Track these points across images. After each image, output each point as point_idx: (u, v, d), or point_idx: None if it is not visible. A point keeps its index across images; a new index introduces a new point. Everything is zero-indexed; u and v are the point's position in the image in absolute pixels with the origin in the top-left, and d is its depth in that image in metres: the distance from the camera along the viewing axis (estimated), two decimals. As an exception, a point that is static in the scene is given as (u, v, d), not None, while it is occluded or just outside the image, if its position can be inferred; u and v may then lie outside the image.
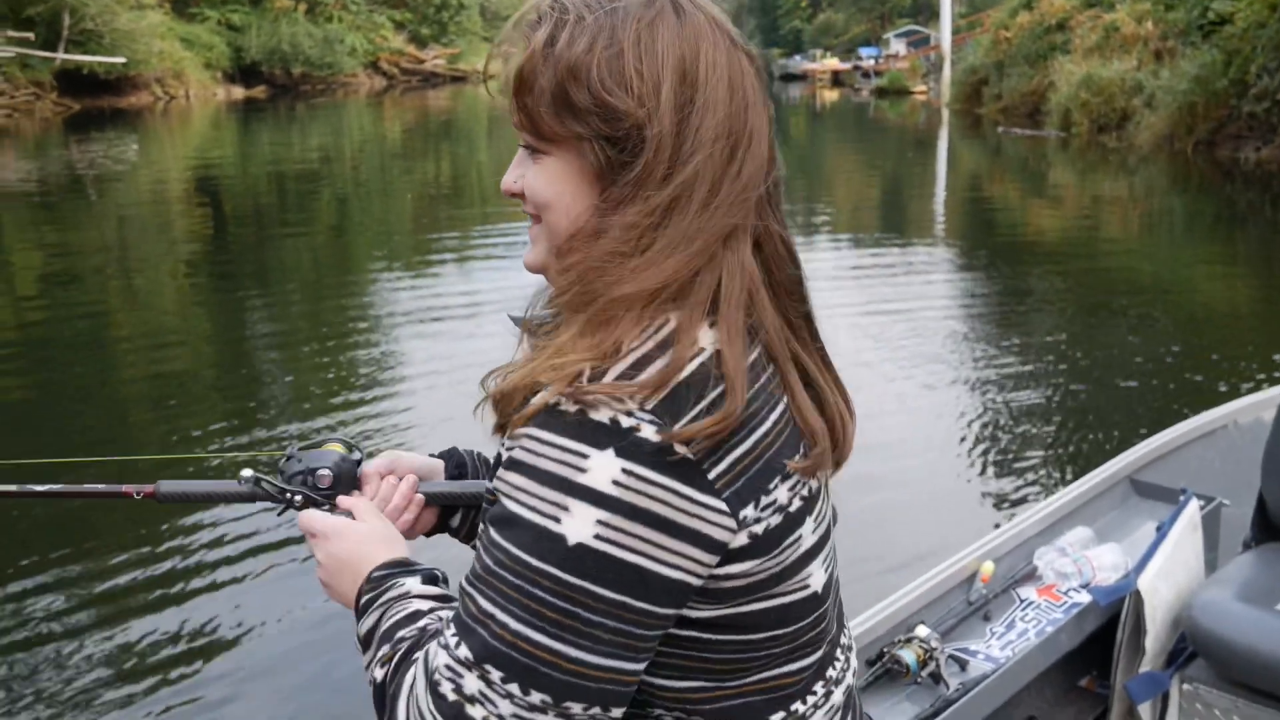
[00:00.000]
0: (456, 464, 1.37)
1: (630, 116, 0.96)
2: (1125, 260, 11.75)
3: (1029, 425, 6.33)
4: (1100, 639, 2.62)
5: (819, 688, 1.07)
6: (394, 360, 7.85)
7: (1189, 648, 2.60)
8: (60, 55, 32.38)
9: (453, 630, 0.94)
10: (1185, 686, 2.57)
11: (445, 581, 1.12)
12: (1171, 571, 2.65)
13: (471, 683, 0.91)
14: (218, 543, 4.69)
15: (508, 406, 0.97)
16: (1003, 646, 2.41)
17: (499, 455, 1.02)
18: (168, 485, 1.34)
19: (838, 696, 1.10)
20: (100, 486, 1.35)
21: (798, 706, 1.05)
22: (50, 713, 3.57)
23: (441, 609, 1.06)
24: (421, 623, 1.04)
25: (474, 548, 0.99)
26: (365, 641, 1.06)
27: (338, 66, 45.84)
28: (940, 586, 2.56)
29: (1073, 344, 8.11)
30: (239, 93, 40.69)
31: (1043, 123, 24.23)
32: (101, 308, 9.56)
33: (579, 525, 0.89)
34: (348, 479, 1.30)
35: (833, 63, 63.02)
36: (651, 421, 0.90)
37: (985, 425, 6.31)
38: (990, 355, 7.86)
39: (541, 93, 0.98)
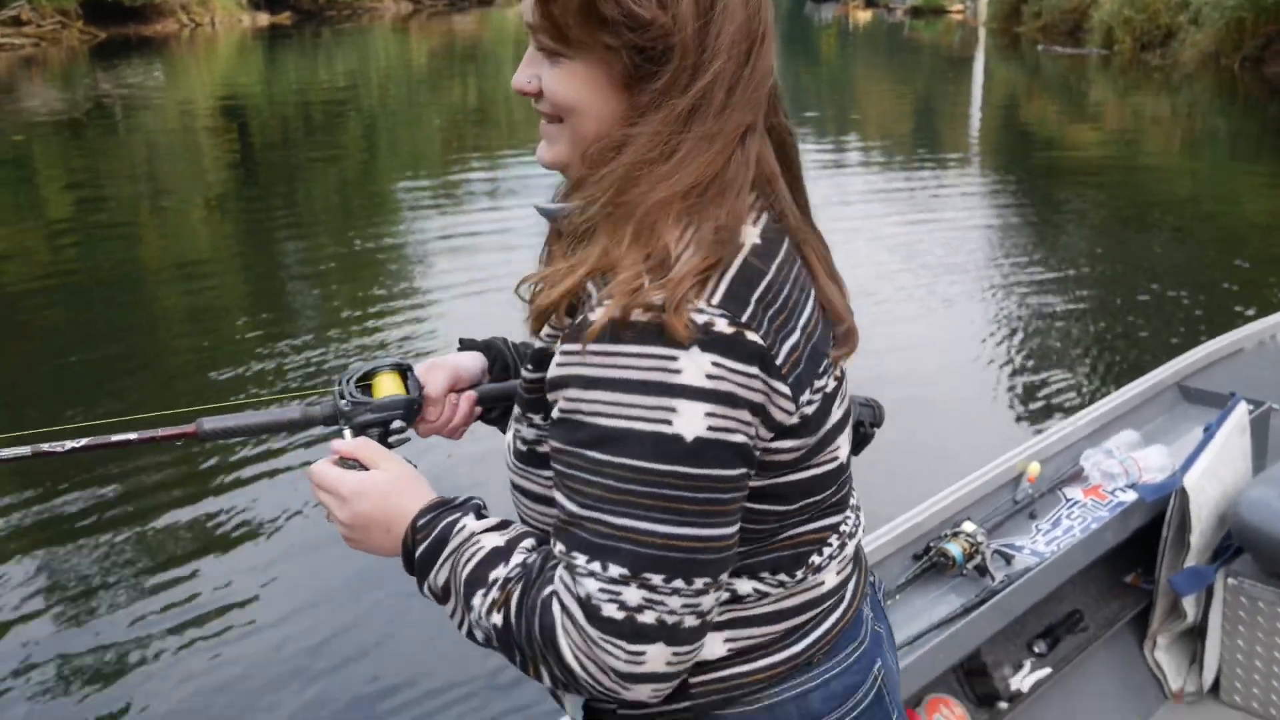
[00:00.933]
0: (501, 365, 1.39)
1: (656, 26, 0.98)
2: (1169, 179, 11.58)
3: (1078, 332, 6.39)
4: (1146, 537, 2.62)
5: (834, 540, 1.15)
6: (425, 276, 7.91)
7: (1234, 544, 2.60)
8: (86, -18, 32.16)
9: (587, 556, 0.96)
10: (1230, 581, 2.57)
11: (485, 506, 1.13)
12: (1218, 471, 2.64)
13: (633, 594, 0.96)
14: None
15: (556, 311, 1.01)
16: (1048, 543, 2.42)
17: (537, 349, 1.08)
18: (210, 422, 1.27)
19: (849, 549, 1.19)
20: (136, 435, 1.28)
21: (815, 559, 1.13)
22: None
23: (523, 538, 1.07)
24: (515, 559, 1.05)
25: (523, 447, 1.09)
26: (444, 591, 1.08)
27: (363, -9, 45.31)
28: (987, 485, 2.56)
29: (1117, 257, 8.11)
30: (264, 19, 40.28)
31: (1084, 40, 23.68)
32: (131, 235, 9.55)
33: (690, 421, 0.94)
34: (415, 415, 1.28)
35: (866, -18, 61.68)
36: (722, 315, 0.95)
37: (1033, 332, 6.39)
38: (1034, 266, 7.86)
39: (569, 2, 1.00)
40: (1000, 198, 10.54)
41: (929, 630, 2.11)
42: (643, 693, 0.99)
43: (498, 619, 1.02)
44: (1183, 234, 8.72)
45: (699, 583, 0.97)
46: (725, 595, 1.07)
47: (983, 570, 2.26)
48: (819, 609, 1.14)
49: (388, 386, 1.27)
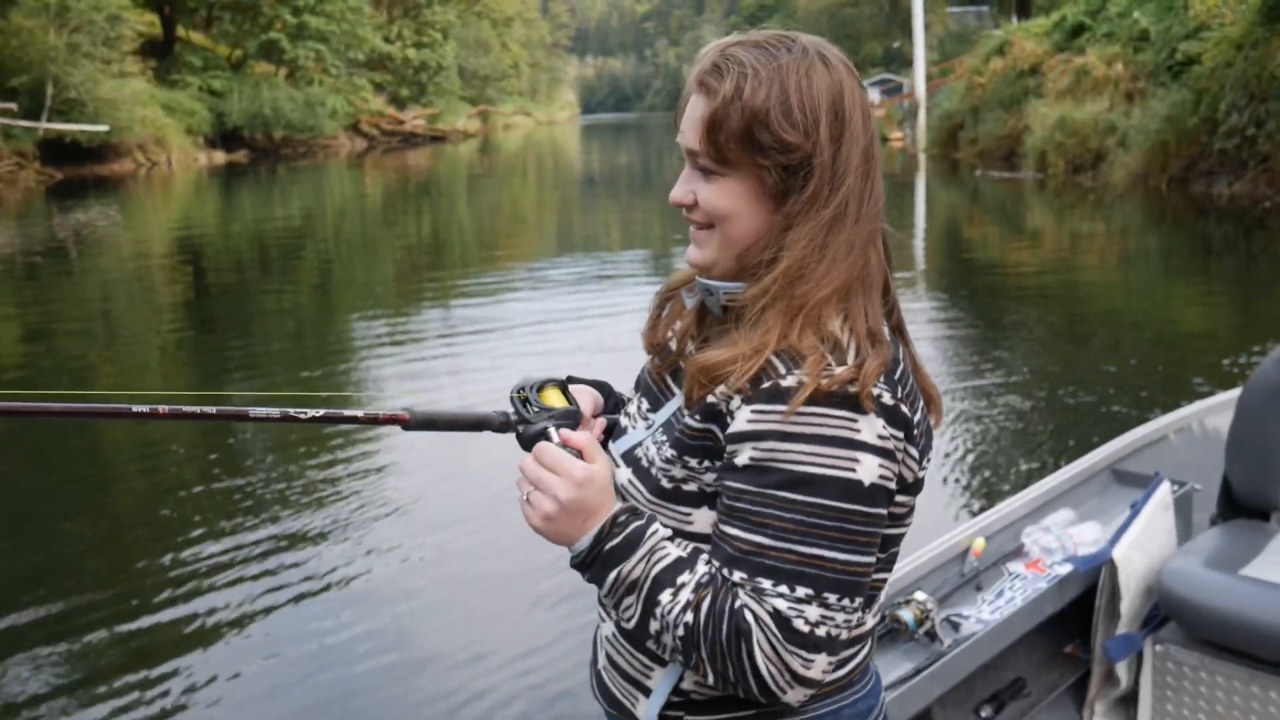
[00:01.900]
0: (614, 403, 1.56)
1: (800, 149, 1.23)
2: (1103, 292, 12.04)
3: (1020, 424, 6.79)
4: (1081, 608, 2.81)
5: (881, 591, 1.39)
6: (380, 404, 7.92)
7: (1161, 613, 2.79)
8: (43, 124, 32.52)
9: (773, 580, 1.19)
10: (1158, 648, 2.76)
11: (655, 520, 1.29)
12: (1144, 544, 2.85)
13: (814, 611, 1.19)
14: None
15: (739, 381, 1.21)
16: (992, 611, 2.60)
17: (709, 404, 1.25)
18: (421, 409, 1.39)
19: (881, 598, 1.41)
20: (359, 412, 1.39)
21: (872, 602, 1.37)
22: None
23: (699, 551, 1.26)
24: (700, 569, 1.23)
25: (668, 485, 1.28)
26: (630, 585, 1.24)
27: (319, 129, 46.11)
28: (937, 559, 2.76)
29: (1056, 361, 8.55)
30: (220, 158, 40.88)
31: (1019, 165, 24.63)
32: (81, 377, 9.17)
33: (868, 470, 1.19)
34: (576, 429, 1.38)
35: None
36: (888, 391, 1.21)
37: (980, 427, 6.75)
38: (977, 371, 8.27)
39: (731, 132, 1.24)
40: (947, 313, 10.93)
41: (883, 690, 2.27)
42: (800, 695, 1.21)
43: (689, 617, 1.21)
44: (1117, 341, 9.14)
45: (857, 602, 1.21)
46: None
47: (933, 636, 2.44)
48: (862, 643, 1.37)
49: (554, 399, 1.41)
